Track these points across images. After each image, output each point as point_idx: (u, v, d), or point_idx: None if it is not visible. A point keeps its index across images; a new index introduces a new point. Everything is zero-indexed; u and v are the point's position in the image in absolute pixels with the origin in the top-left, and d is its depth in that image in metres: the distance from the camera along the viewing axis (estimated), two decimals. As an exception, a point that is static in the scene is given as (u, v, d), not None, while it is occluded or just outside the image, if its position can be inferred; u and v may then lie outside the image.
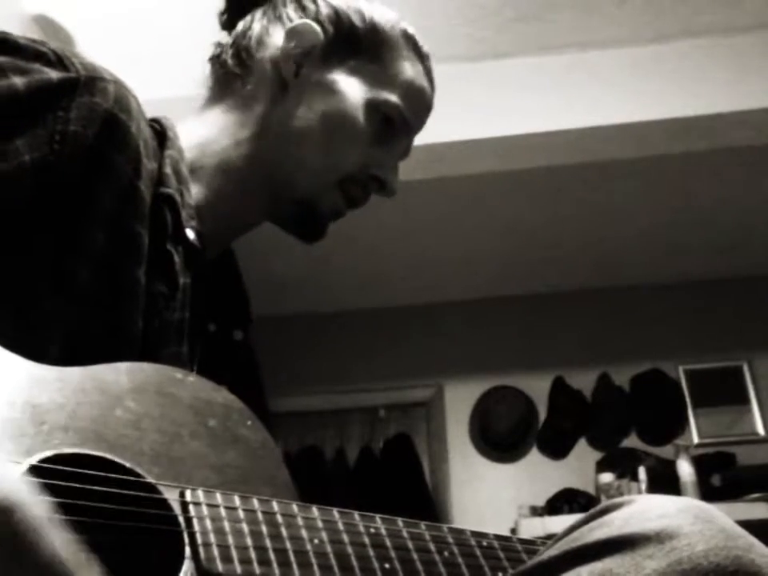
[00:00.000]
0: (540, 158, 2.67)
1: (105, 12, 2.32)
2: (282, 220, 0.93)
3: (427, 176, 2.72)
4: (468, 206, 3.25)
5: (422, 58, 0.95)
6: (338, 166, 0.89)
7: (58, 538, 0.43)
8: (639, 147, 2.63)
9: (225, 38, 0.95)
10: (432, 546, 0.65)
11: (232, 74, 0.91)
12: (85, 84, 0.70)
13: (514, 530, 3.17)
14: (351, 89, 0.89)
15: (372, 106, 0.89)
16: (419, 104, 0.94)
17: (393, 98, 0.90)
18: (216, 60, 0.94)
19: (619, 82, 2.52)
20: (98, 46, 2.36)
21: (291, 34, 0.89)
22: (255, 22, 0.93)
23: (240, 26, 0.94)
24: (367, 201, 0.95)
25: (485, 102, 2.54)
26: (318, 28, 0.89)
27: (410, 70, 0.93)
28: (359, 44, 0.91)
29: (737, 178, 3.09)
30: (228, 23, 0.96)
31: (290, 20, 0.91)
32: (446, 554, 0.65)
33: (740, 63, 2.49)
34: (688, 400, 3.62)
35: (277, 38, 0.90)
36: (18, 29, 2.23)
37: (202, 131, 0.89)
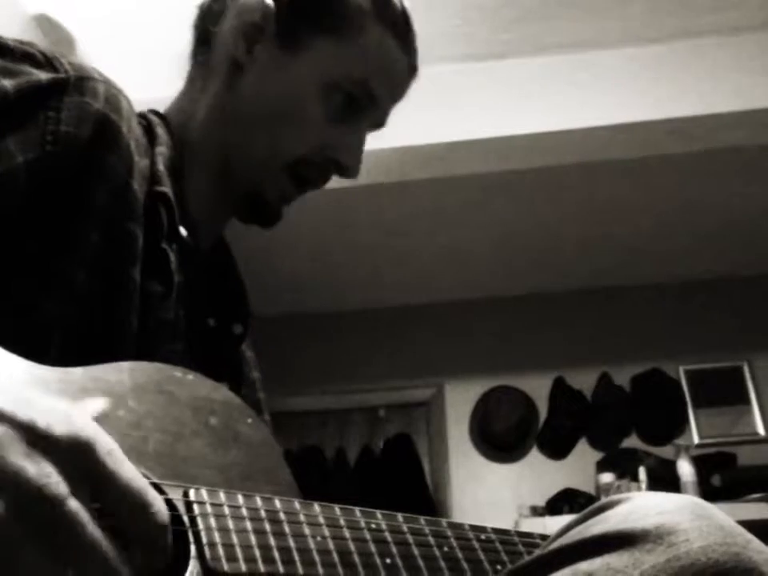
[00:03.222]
0: (540, 158, 2.67)
1: (105, 12, 2.32)
2: (238, 215, 0.91)
3: (427, 176, 2.72)
4: (467, 206, 3.25)
5: (394, 21, 0.87)
6: (283, 152, 0.85)
7: (129, 464, 0.47)
8: (639, 147, 2.63)
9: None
10: (432, 541, 0.65)
11: (198, 58, 0.90)
12: (74, 84, 0.70)
13: (514, 530, 3.16)
14: (306, 67, 0.85)
15: (330, 84, 0.85)
16: (390, 75, 0.88)
17: (355, 73, 0.85)
18: (191, 37, 0.91)
19: (619, 82, 2.52)
20: (97, 46, 2.36)
21: (241, 9, 0.85)
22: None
23: None
24: (326, 182, 0.90)
25: (485, 102, 2.54)
26: (267, 1, 0.85)
27: (377, 42, 0.86)
28: (319, 14, 0.85)
29: (736, 177, 3.09)
30: None
31: None
32: (445, 548, 0.65)
33: (740, 63, 2.50)
34: (688, 400, 3.62)
35: (229, 17, 0.86)
36: (18, 29, 2.24)
37: (186, 110, 0.88)
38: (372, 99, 0.87)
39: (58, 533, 0.43)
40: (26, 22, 2.28)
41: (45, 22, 2.32)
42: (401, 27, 0.88)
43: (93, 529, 0.44)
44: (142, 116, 0.84)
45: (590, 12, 2.43)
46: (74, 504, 0.43)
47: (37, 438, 0.44)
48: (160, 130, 0.83)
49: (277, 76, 0.86)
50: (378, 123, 0.92)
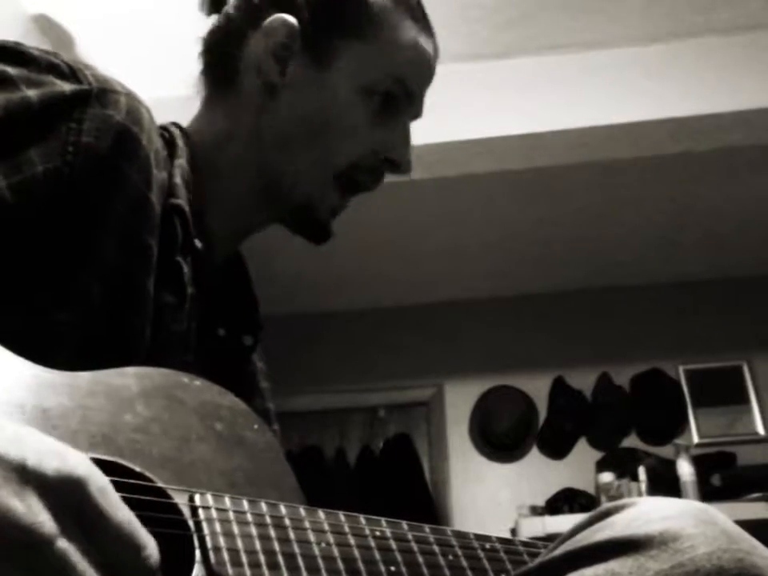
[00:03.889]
0: (540, 158, 2.67)
1: (105, 12, 2.32)
2: (286, 224, 0.92)
3: (427, 176, 2.71)
4: (468, 206, 3.25)
5: (413, 12, 0.89)
6: (334, 163, 0.86)
7: (123, 503, 0.47)
8: (639, 147, 2.63)
9: (211, 23, 0.91)
10: (436, 549, 0.65)
11: (222, 81, 0.90)
12: (97, 96, 0.70)
13: (513, 530, 3.17)
14: (340, 76, 0.85)
15: (366, 89, 0.85)
16: (420, 66, 0.89)
17: (389, 72, 0.86)
18: (204, 59, 0.91)
19: (619, 82, 2.52)
20: (97, 46, 2.36)
21: (265, 34, 0.86)
22: (232, 19, 0.89)
23: (220, 18, 0.90)
24: (379, 183, 0.91)
25: (485, 102, 2.54)
26: (290, 19, 0.85)
27: (402, 34, 0.87)
28: (342, 21, 0.86)
29: (736, 177, 3.09)
30: (211, 7, 0.92)
31: (264, 12, 0.86)
32: (450, 557, 0.65)
33: (739, 63, 2.49)
34: (688, 400, 3.62)
35: (254, 41, 0.86)
36: (18, 29, 2.23)
37: (213, 131, 0.89)
38: (408, 92, 0.88)
39: (47, 573, 0.42)
40: (26, 22, 2.28)
41: (44, 22, 2.32)
42: (418, 12, 0.90)
43: (83, 569, 0.43)
44: (163, 128, 0.84)
45: (589, 12, 2.43)
46: (63, 544, 0.43)
47: (27, 477, 0.43)
48: (181, 143, 0.84)
49: (313, 91, 0.86)
50: (417, 114, 0.93)
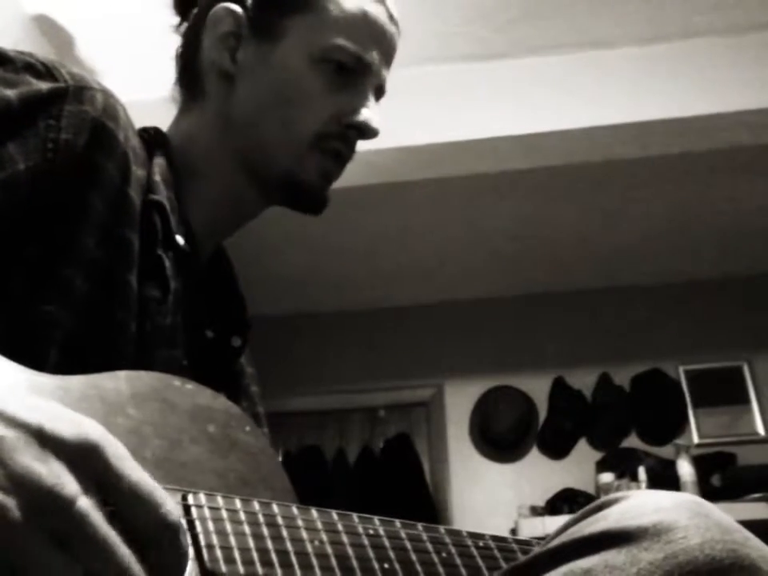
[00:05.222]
0: (540, 158, 2.67)
1: (105, 12, 2.32)
2: (280, 202, 0.92)
3: (427, 176, 2.72)
4: (467, 206, 3.25)
5: None
6: (300, 133, 0.87)
7: (138, 465, 0.48)
8: (638, 147, 2.63)
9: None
10: (430, 547, 0.65)
11: (191, 88, 0.92)
12: (73, 93, 0.72)
13: (513, 530, 3.17)
14: (289, 51, 0.87)
15: (316, 58, 0.86)
16: (367, 33, 0.89)
17: (335, 41, 0.86)
18: (175, 72, 0.94)
19: (619, 82, 2.52)
20: (97, 46, 2.37)
21: (211, 26, 0.89)
22: (190, 27, 0.92)
23: (184, 31, 0.94)
24: (354, 150, 0.91)
25: (485, 102, 2.54)
26: (232, 6, 0.88)
27: (346, 3, 0.87)
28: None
29: (737, 177, 3.09)
30: (182, 17, 0.96)
31: (209, 8, 0.89)
32: (443, 554, 0.65)
33: (740, 63, 2.49)
34: (688, 400, 3.62)
35: (205, 37, 0.89)
36: (18, 29, 2.24)
37: (185, 132, 0.90)
38: (360, 61, 0.88)
39: (70, 532, 0.43)
40: (26, 22, 2.28)
41: (44, 23, 2.32)
42: None
43: (105, 527, 0.44)
44: (142, 130, 0.85)
45: (590, 12, 2.43)
46: (85, 503, 0.44)
47: (46, 441, 0.44)
48: (159, 143, 0.85)
49: (267, 69, 0.88)
50: (380, 86, 0.93)
